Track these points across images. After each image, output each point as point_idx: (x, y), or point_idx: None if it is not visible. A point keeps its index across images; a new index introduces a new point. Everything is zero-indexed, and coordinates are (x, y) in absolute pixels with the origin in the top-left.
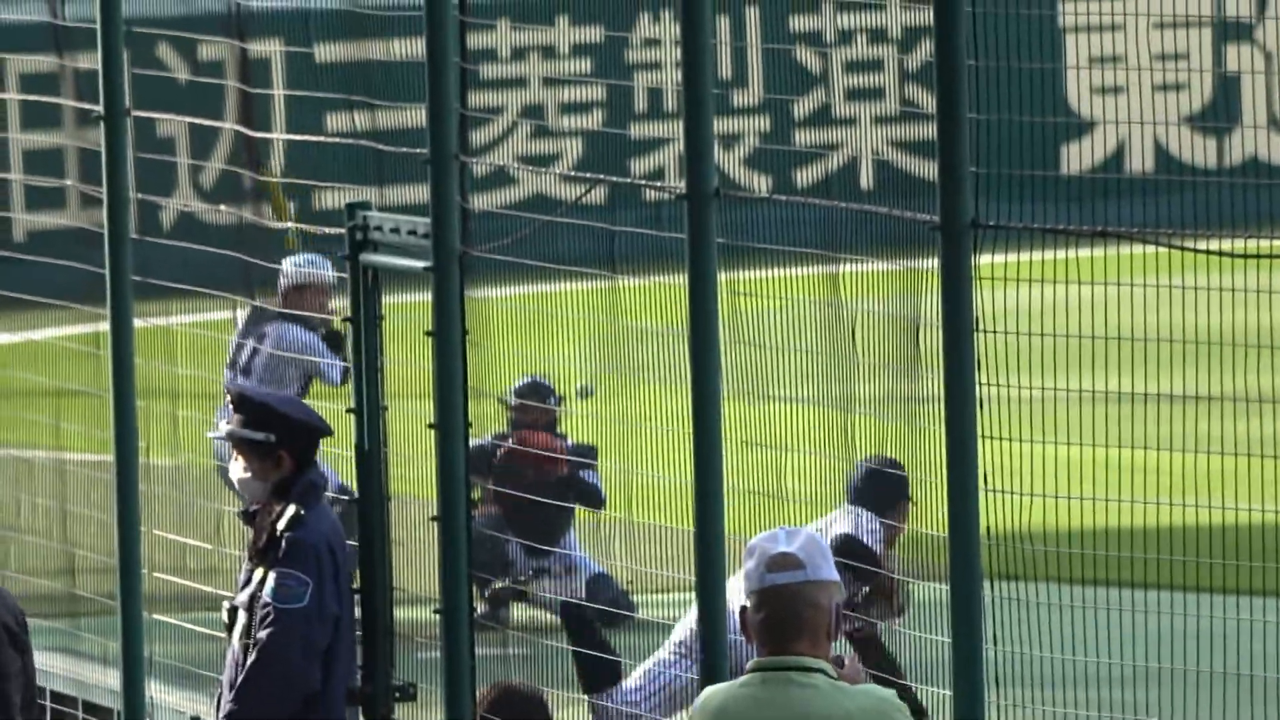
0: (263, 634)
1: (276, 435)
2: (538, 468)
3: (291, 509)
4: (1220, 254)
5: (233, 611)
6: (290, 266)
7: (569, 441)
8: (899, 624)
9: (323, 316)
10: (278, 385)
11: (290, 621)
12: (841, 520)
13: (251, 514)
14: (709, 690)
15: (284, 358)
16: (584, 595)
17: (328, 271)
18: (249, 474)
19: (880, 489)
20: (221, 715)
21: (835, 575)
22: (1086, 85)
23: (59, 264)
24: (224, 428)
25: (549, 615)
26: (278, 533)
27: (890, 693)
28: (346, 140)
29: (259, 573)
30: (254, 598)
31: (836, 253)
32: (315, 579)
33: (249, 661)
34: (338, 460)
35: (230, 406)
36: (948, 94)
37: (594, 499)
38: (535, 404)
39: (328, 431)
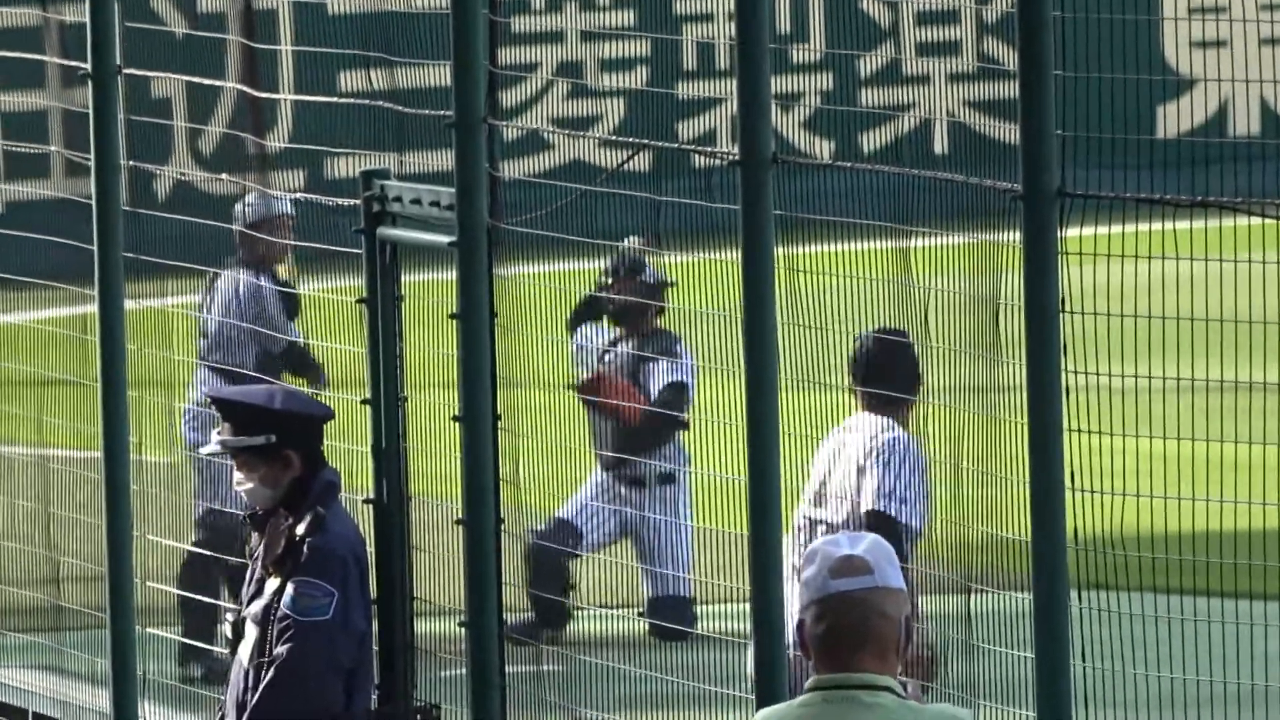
0: (281, 649)
1: (276, 435)
2: (616, 416)
3: (311, 512)
4: None
5: (238, 625)
6: (241, 207)
7: (670, 333)
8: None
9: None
10: (236, 347)
11: (312, 636)
12: (865, 439)
13: (259, 516)
14: (764, 713)
15: (239, 312)
16: (649, 610)
17: (285, 207)
18: (255, 482)
19: (894, 365)
20: None
21: (903, 583)
22: (1185, 39)
23: (41, 239)
24: (216, 440)
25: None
26: (297, 538)
27: (967, 713)
28: (362, 102)
29: (274, 582)
30: (269, 610)
31: (907, 225)
32: (340, 590)
33: (265, 680)
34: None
35: (216, 415)
36: (1031, 49)
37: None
38: (627, 276)
39: (329, 415)
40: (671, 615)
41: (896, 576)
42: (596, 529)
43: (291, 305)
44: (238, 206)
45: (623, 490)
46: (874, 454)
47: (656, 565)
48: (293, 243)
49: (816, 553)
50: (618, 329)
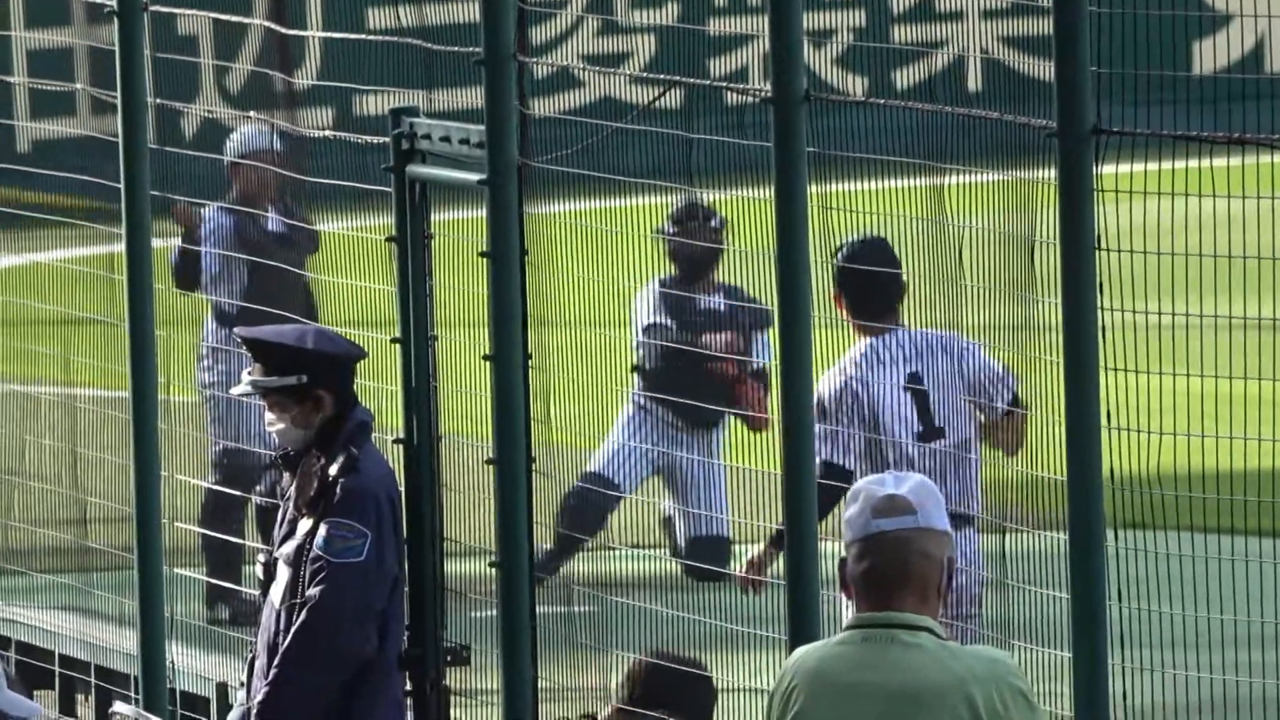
0: (313, 591)
1: (308, 375)
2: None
3: (344, 452)
4: None
5: (269, 566)
6: (229, 143)
7: (748, 295)
8: None
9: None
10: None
11: (345, 577)
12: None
13: (291, 457)
14: (801, 651)
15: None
16: (687, 550)
17: (273, 143)
18: (286, 423)
19: (875, 286)
20: (264, 683)
21: (948, 525)
22: None
23: (68, 177)
24: (247, 379)
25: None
26: (329, 479)
27: (1004, 654)
28: (391, 38)
29: (306, 523)
30: (302, 551)
31: (941, 162)
32: (374, 531)
33: (296, 622)
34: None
35: (247, 356)
36: None
37: (755, 419)
38: (696, 224)
39: (361, 355)
40: (710, 556)
41: (941, 518)
42: (630, 473)
43: (303, 241)
44: (235, 134)
45: (672, 433)
46: (986, 372)
47: (699, 506)
48: (279, 171)
49: (860, 492)
50: (673, 273)
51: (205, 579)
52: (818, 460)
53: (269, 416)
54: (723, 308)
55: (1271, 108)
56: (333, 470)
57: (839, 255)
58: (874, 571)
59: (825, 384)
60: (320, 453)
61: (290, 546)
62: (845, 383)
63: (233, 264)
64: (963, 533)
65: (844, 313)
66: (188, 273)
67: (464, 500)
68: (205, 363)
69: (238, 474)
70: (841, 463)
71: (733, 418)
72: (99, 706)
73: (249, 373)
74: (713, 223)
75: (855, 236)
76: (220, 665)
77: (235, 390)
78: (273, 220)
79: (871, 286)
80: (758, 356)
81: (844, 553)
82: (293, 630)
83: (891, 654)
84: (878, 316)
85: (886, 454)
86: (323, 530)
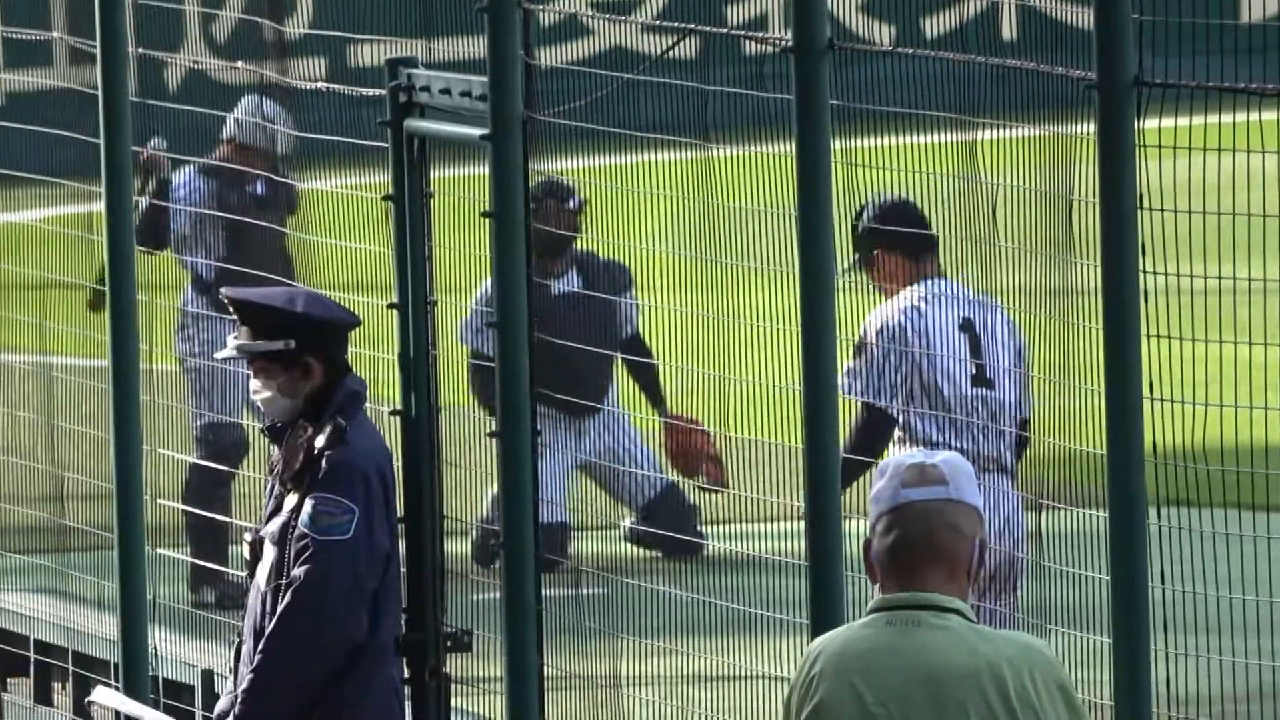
0: (298, 571)
1: (297, 340)
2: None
3: (331, 423)
4: None
5: (255, 545)
6: (242, 114)
7: (602, 260)
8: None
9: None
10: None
11: (332, 556)
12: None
13: (279, 429)
14: (824, 637)
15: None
16: (642, 517)
17: (285, 129)
18: (273, 391)
19: (918, 239)
20: (248, 670)
21: (979, 503)
22: None
23: (44, 131)
24: (232, 344)
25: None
26: (315, 452)
27: (1041, 642)
28: None
29: (292, 499)
30: (287, 529)
31: (973, 116)
32: (362, 507)
33: (281, 605)
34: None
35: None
36: None
37: (651, 380)
38: (554, 204)
39: (354, 321)
40: (671, 521)
41: (973, 494)
42: (559, 492)
43: (281, 200)
44: (244, 102)
45: (558, 425)
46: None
47: (630, 476)
48: (280, 128)
49: (889, 465)
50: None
51: (190, 560)
52: (859, 402)
53: (254, 384)
54: (578, 286)
55: None
56: (319, 442)
57: (867, 216)
58: (900, 544)
59: (875, 319)
60: (308, 424)
61: (276, 524)
62: (891, 317)
63: (206, 228)
64: (1015, 492)
65: (877, 277)
66: (155, 230)
67: (465, 476)
68: (187, 331)
69: (224, 449)
70: (885, 405)
71: (614, 376)
72: (77, 694)
73: (234, 337)
74: (570, 204)
75: (876, 198)
76: (205, 651)
77: (220, 354)
78: (258, 184)
79: (915, 239)
80: (627, 322)
81: (868, 533)
82: (277, 613)
83: (917, 637)
84: (928, 267)
85: (942, 388)
86: (308, 506)
